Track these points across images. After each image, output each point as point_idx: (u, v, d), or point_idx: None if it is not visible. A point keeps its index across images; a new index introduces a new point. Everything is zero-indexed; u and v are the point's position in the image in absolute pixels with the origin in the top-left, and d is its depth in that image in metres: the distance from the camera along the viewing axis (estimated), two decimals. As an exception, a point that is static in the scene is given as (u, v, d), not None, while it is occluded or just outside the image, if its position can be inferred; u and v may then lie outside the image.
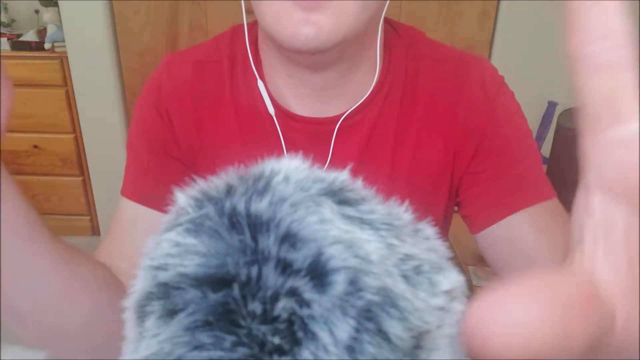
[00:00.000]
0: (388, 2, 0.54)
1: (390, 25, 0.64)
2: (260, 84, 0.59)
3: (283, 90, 0.59)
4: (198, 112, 0.61)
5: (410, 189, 0.59)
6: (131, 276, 0.59)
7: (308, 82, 0.58)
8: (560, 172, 1.00)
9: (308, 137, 0.60)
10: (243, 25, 0.61)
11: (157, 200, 0.61)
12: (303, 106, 0.60)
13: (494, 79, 0.63)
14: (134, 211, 0.62)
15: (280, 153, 0.59)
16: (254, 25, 0.62)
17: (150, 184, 0.62)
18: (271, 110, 0.59)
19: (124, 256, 0.59)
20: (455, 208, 0.68)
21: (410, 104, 0.60)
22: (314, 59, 0.54)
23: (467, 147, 0.61)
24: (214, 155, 0.62)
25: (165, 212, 0.60)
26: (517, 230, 0.60)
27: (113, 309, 0.54)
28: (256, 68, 0.60)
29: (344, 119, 0.59)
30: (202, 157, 0.63)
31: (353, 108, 0.59)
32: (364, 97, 0.59)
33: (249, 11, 0.56)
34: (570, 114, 1.00)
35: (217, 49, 0.63)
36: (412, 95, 0.60)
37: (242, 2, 0.57)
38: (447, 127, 0.61)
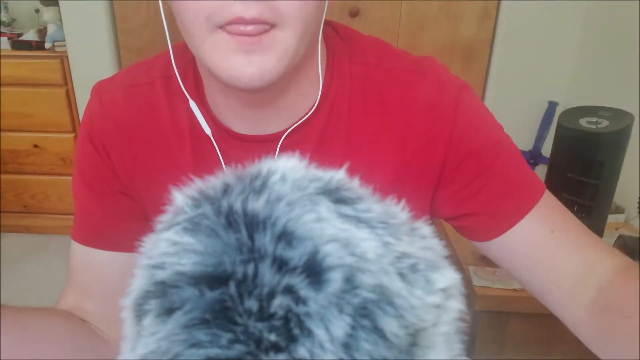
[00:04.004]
0: (325, 13, 0.52)
1: (333, 28, 0.61)
2: (192, 104, 0.56)
3: (223, 108, 0.57)
4: (133, 138, 0.59)
5: None
6: (100, 315, 0.59)
7: (247, 106, 0.56)
8: (560, 172, 1.00)
9: (251, 156, 0.55)
10: (181, 44, 0.58)
11: (104, 240, 0.60)
12: (244, 124, 0.57)
13: (450, 83, 0.58)
14: (83, 254, 0.61)
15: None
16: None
17: (94, 226, 0.61)
18: (207, 130, 0.56)
19: (86, 297, 0.60)
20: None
21: (359, 113, 0.57)
22: (253, 92, 0.52)
23: (434, 154, 0.58)
24: (155, 180, 0.59)
25: (114, 250, 0.60)
26: (528, 236, 0.58)
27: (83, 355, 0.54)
28: (197, 87, 0.58)
29: (288, 135, 0.56)
30: (143, 183, 0.60)
31: (296, 125, 0.56)
32: (307, 114, 0.56)
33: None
34: (570, 114, 1.00)
35: (150, 71, 0.60)
36: (362, 103, 0.57)
37: (166, 27, 0.54)
38: (403, 134, 0.57)
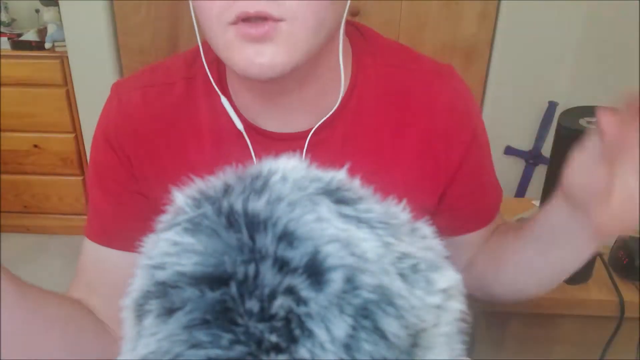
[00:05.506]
0: (347, 9, 0.52)
1: (356, 28, 0.62)
2: (224, 100, 0.56)
3: (250, 106, 0.57)
4: (151, 139, 0.59)
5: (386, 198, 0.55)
6: (105, 313, 0.59)
7: (272, 96, 0.56)
8: (560, 172, 1.00)
9: (277, 153, 0.55)
10: (206, 43, 0.57)
11: (116, 239, 0.60)
12: (270, 120, 0.58)
13: (467, 91, 0.63)
14: (95, 252, 0.61)
15: None
16: None
17: (107, 225, 0.61)
18: (239, 125, 0.56)
19: (93, 294, 0.59)
20: None
21: (384, 112, 0.59)
22: (271, 83, 0.52)
23: (452, 157, 0.60)
24: (171, 182, 0.57)
25: (127, 250, 0.60)
26: (473, 239, 0.66)
27: (84, 346, 0.54)
28: (222, 85, 0.58)
29: (314, 133, 0.57)
30: (159, 185, 0.58)
31: (322, 122, 0.56)
32: (331, 111, 0.56)
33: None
34: (570, 114, 1.00)
35: (171, 72, 0.60)
36: (386, 103, 0.59)
37: (195, 25, 0.54)
38: (427, 134, 0.59)
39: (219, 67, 0.59)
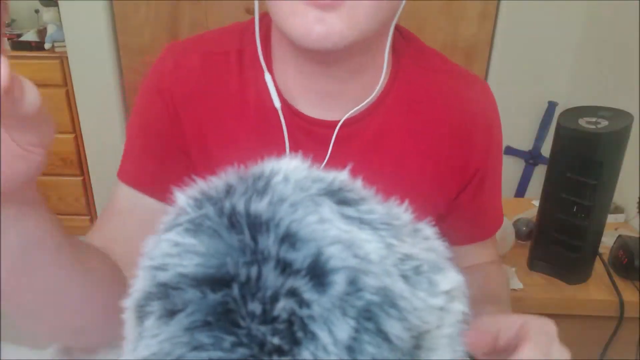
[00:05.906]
0: (401, 7, 0.54)
1: (398, 31, 0.64)
2: (267, 76, 0.58)
3: (292, 86, 0.59)
4: (203, 103, 0.60)
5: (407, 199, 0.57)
6: (125, 260, 0.59)
7: (316, 79, 0.57)
8: (560, 172, 1.00)
9: (310, 137, 0.60)
10: (254, 20, 0.60)
11: (155, 187, 0.59)
12: (310, 105, 0.59)
13: (494, 105, 0.65)
14: (130, 197, 0.60)
15: (282, 148, 0.59)
16: (263, 20, 0.61)
17: (148, 170, 0.61)
18: (277, 103, 0.58)
19: (117, 241, 0.58)
20: None
21: (415, 114, 0.61)
22: (323, 56, 0.54)
23: (471, 164, 0.63)
24: (218, 148, 0.61)
25: (163, 200, 0.59)
26: (467, 254, 0.71)
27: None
28: (268, 64, 0.60)
29: (346, 123, 0.59)
30: (206, 149, 0.61)
31: (356, 111, 0.59)
32: (367, 102, 0.58)
33: (260, 7, 0.56)
34: (570, 114, 1.00)
35: (225, 42, 0.62)
36: (419, 105, 0.61)
37: (256, 10, 0.56)
38: (452, 140, 0.62)
39: (266, 45, 0.61)
